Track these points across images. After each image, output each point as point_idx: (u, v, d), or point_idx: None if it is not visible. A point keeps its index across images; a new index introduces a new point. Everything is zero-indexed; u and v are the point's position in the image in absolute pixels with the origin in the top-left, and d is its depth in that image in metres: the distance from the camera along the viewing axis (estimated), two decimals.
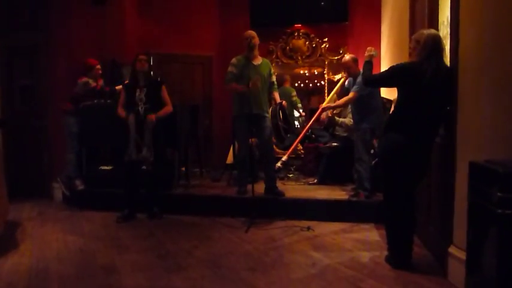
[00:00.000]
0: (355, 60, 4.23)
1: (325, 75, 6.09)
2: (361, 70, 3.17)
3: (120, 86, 4.56)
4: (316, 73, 6.27)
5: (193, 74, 6.46)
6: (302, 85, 6.40)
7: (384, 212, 2.89)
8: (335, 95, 4.60)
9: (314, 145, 5.62)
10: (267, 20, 6.06)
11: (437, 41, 2.60)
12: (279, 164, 4.30)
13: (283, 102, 4.34)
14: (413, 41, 2.69)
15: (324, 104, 4.36)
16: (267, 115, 4.29)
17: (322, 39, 6.02)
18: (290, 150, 4.37)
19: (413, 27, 3.79)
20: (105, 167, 4.81)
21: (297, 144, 4.51)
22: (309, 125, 4.44)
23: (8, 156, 4.94)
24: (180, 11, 6.24)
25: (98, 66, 4.82)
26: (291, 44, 6.14)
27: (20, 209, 4.57)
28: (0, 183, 3.44)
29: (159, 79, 4.52)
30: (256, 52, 4.25)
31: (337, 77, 6.03)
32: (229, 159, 5.19)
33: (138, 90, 4.08)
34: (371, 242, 3.41)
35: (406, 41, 4.37)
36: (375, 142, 4.27)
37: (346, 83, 4.41)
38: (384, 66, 5.71)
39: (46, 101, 5.21)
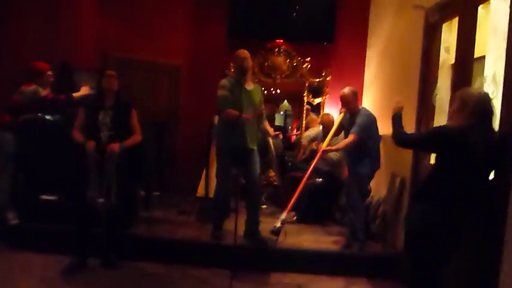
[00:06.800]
0: (355, 95, 3.79)
1: (305, 98, 5.60)
2: (392, 126, 2.66)
3: (80, 93, 3.90)
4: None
5: (158, 85, 5.64)
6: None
7: None
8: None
9: (291, 174, 5.15)
10: (246, 31, 5.46)
11: (488, 105, 2.23)
12: (278, 224, 3.66)
13: (279, 134, 3.83)
14: (459, 100, 2.27)
15: (324, 146, 3.86)
16: (255, 148, 3.73)
17: (304, 59, 5.53)
18: (289, 207, 3.74)
19: (426, 73, 3.42)
20: (48, 197, 3.93)
21: (298, 194, 3.85)
22: (309, 171, 3.87)
23: None
24: (146, 11, 5.45)
25: (49, 73, 3.93)
26: (270, 61, 5.55)
27: None
28: None
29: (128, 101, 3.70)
30: (248, 76, 3.67)
31: (317, 100, 5.61)
32: (200, 191, 4.47)
33: (102, 112, 3.32)
34: None
35: (404, 79, 4.04)
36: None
37: (342, 119, 3.97)
38: (367, 98, 5.36)
39: None
